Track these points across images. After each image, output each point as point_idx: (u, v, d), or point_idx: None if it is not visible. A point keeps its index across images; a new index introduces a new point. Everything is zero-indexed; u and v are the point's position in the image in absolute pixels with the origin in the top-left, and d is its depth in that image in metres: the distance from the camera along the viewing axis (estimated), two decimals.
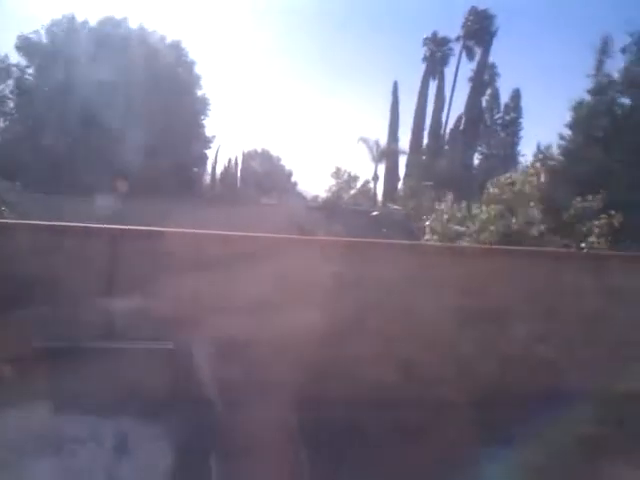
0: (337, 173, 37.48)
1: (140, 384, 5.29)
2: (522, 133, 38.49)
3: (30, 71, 30.44)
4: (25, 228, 6.03)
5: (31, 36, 29.92)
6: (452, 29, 41.98)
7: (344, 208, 28.33)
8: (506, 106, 38.62)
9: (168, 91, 27.83)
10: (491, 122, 38.93)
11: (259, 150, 41.24)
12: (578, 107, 20.50)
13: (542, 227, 8.50)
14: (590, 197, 8.99)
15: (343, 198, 34.13)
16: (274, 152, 41.27)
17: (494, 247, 7.81)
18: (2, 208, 11.48)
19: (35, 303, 5.54)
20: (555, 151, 19.69)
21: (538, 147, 20.18)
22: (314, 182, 71.03)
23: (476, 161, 38.55)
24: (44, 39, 30.04)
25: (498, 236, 8.29)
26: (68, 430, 4.84)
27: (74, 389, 5.06)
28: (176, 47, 31.86)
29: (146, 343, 5.65)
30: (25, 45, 29.80)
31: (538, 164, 11.79)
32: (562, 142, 20.20)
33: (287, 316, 5.66)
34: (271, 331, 5.66)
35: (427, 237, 9.95)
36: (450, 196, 10.54)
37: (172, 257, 5.72)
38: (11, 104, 30.68)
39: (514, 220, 8.53)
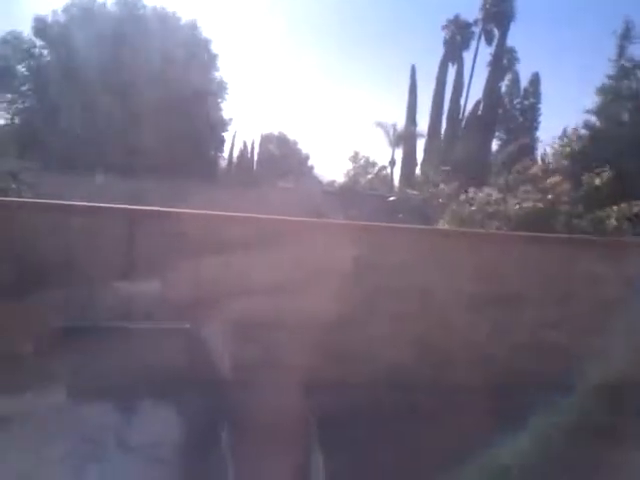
0: (354, 157, 37.48)
1: (156, 364, 5.35)
2: (541, 119, 38.17)
3: (47, 52, 30.61)
4: (41, 208, 6.09)
5: (48, 17, 30.05)
6: (471, 13, 41.41)
7: (361, 193, 28.30)
8: (525, 91, 38.22)
9: (185, 72, 27.87)
10: (510, 107, 38.56)
11: (276, 133, 41.21)
12: (602, 91, 20.25)
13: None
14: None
15: (360, 183, 34.12)
16: (291, 136, 41.22)
17: (509, 232, 7.77)
18: (19, 188, 11.59)
19: (52, 284, 5.61)
20: (580, 133, 19.48)
21: (564, 131, 19.88)
22: (331, 166, 70.99)
23: (494, 147, 38.29)
24: (61, 20, 30.12)
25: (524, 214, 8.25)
26: (84, 409, 4.94)
27: (90, 368, 5.15)
28: (192, 27, 31.86)
29: (163, 323, 5.71)
30: (42, 26, 30.03)
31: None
32: (586, 127, 19.96)
33: (304, 299, 5.69)
34: (288, 314, 5.70)
35: (443, 222, 9.91)
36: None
37: (189, 238, 5.75)
38: (28, 85, 30.89)
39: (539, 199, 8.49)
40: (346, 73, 59.48)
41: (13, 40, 30.40)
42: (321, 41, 59.08)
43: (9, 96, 30.90)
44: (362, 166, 37.09)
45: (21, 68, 31.00)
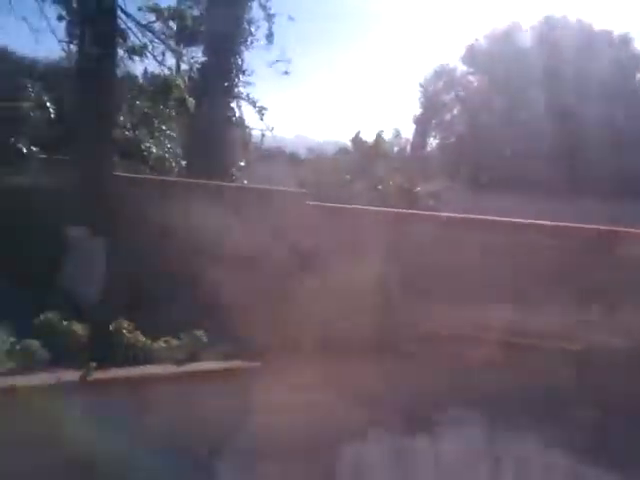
0: None
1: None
2: None
3: (474, 78, 33.30)
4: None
5: (475, 44, 32.40)
6: None
7: None
8: None
9: (617, 90, 26.49)
10: None
11: None
12: None
13: None
14: None
15: None
16: None
17: None
18: (437, 205, 12.73)
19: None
20: None
21: None
22: None
23: None
24: (487, 46, 32.07)
25: None
26: None
27: None
28: (625, 42, 30.00)
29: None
30: (470, 54, 32.55)
31: None
32: None
33: None
34: None
35: None
36: None
37: None
38: (456, 111, 34.18)
39: None
40: None
41: (443, 72, 33.97)
42: None
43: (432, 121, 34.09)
44: None
45: (448, 95, 34.14)
